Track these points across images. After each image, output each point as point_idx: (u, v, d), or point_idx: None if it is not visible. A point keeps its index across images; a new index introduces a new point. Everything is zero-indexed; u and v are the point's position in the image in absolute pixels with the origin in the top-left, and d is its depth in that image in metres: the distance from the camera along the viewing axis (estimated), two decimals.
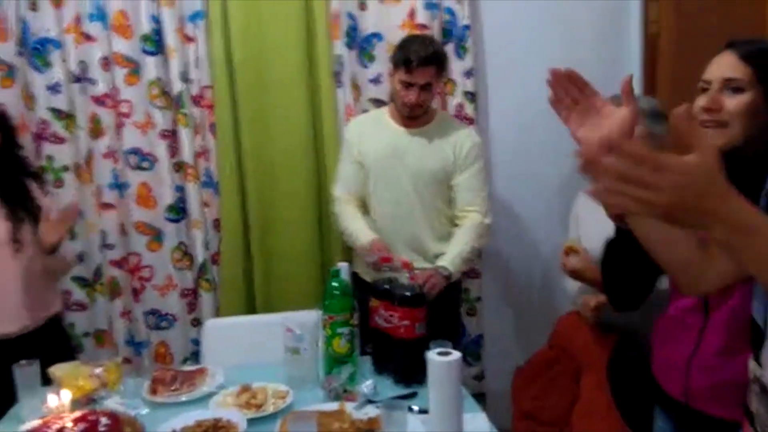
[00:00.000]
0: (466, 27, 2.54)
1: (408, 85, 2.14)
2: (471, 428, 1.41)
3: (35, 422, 1.43)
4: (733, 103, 1.21)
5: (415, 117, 2.22)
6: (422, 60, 2.09)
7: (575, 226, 2.04)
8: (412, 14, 2.50)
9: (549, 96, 1.04)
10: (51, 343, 1.95)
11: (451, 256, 2.17)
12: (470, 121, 2.57)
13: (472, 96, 2.58)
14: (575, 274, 1.86)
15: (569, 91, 1.03)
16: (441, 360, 1.31)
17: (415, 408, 1.52)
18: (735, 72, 1.21)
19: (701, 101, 1.25)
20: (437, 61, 2.15)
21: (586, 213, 1.95)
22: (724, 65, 1.23)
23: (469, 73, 2.57)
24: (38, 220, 1.95)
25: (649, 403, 1.53)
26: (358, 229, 2.22)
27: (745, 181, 1.09)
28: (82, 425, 1.41)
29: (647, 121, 1.76)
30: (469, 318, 2.69)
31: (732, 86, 1.22)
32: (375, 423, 1.40)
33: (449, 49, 2.55)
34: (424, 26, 2.49)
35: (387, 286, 1.75)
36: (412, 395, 1.61)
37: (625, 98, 1.00)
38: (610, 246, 1.41)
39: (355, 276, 2.23)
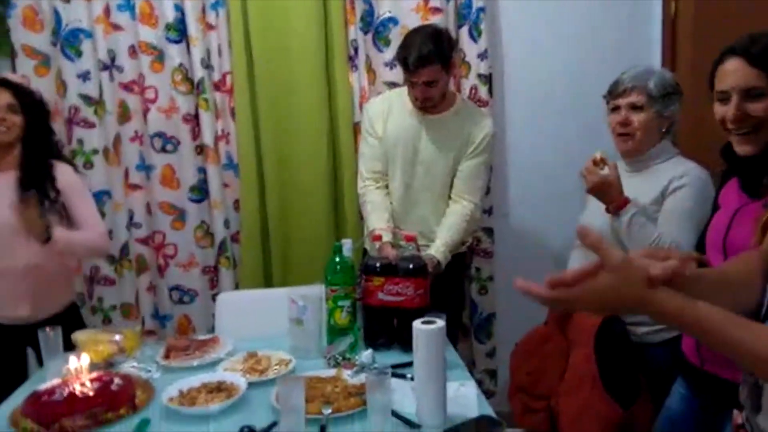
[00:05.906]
0: (481, 9, 2.55)
1: (412, 83, 2.14)
2: (460, 395, 1.47)
3: (56, 381, 1.54)
4: (757, 109, 1.25)
5: (426, 109, 2.21)
6: (419, 61, 2.05)
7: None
8: None
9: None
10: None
11: (438, 245, 2.16)
12: (484, 103, 2.58)
13: (486, 78, 2.60)
14: (601, 188, 1.69)
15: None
16: (424, 328, 1.36)
17: (409, 375, 1.58)
18: (751, 80, 1.24)
19: (725, 112, 1.28)
20: (437, 60, 2.07)
21: None
22: (739, 75, 1.25)
23: (483, 56, 2.57)
24: (55, 204, 2.00)
25: (633, 373, 1.55)
26: (374, 220, 2.24)
27: None
28: (96, 384, 1.52)
29: (656, 105, 1.77)
30: (481, 297, 2.72)
31: (753, 94, 1.25)
32: (365, 388, 1.46)
33: (463, 32, 2.57)
34: (437, 9, 2.52)
35: (386, 264, 1.80)
36: (410, 364, 1.66)
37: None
38: None
39: (365, 253, 2.30)
